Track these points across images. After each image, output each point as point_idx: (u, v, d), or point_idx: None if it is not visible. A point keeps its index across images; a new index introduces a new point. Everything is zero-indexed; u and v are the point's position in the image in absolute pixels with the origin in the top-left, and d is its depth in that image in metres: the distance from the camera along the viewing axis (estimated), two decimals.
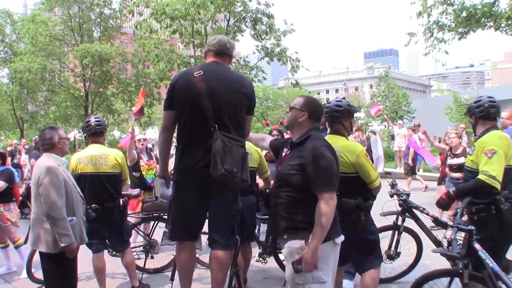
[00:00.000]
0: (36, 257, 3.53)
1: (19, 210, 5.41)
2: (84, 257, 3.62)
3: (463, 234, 2.75)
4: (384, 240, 4.00)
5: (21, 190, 7.95)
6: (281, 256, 4.03)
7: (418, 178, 10.22)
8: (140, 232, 4.92)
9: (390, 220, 4.09)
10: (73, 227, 3.00)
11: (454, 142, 5.93)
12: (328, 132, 3.28)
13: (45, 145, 3.16)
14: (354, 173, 2.99)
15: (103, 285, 3.89)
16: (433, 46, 10.85)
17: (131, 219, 4.63)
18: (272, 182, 3.21)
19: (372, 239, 3.14)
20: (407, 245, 4.23)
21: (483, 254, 2.62)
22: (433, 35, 10.68)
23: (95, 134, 4.04)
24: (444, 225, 3.84)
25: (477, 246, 2.65)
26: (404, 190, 4.26)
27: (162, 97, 21.42)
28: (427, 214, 4.01)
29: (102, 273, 3.88)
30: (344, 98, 3.63)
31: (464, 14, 9.97)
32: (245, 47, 15.09)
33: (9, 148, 13.98)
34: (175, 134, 3.06)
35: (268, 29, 13.90)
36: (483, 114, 3.14)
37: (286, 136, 4.95)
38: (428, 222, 4.17)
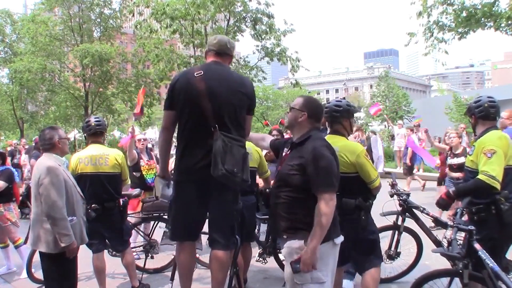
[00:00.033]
0: (36, 257, 3.53)
1: (19, 210, 5.41)
2: (84, 257, 3.62)
3: (463, 234, 2.75)
4: (384, 240, 4.00)
5: (21, 190, 7.96)
6: (281, 256, 4.03)
7: (416, 178, 10.23)
8: (140, 232, 4.92)
9: (390, 220, 4.09)
10: (73, 227, 3.00)
11: (454, 142, 5.94)
12: (328, 132, 3.28)
13: (45, 145, 3.16)
14: (354, 173, 2.99)
15: (103, 285, 3.89)
16: (433, 46, 10.85)
17: (131, 219, 4.63)
18: (272, 182, 3.21)
19: (372, 239, 3.14)
20: (407, 245, 4.23)
21: (483, 254, 2.62)
22: (433, 35, 10.68)
23: (95, 134, 4.04)
24: (444, 225, 3.84)
25: (477, 246, 2.65)
26: (404, 190, 4.26)
27: (162, 97, 21.42)
28: (427, 214, 4.01)
29: (102, 273, 3.88)
30: (344, 98, 3.64)
31: (464, 14, 9.96)
32: (245, 47, 15.11)
33: (9, 148, 13.98)
34: (175, 134, 3.06)
35: (268, 29, 13.90)
36: (483, 114, 3.14)
37: (286, 136, 4.95)
38: (428, 222, 4.17)
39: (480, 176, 2.90)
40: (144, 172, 5.49)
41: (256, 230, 4.29)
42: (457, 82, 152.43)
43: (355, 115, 3.51)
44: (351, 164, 2.96)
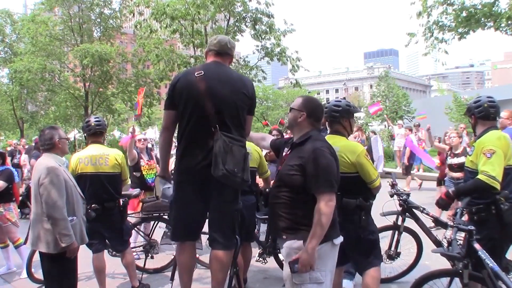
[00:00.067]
0: (36, 257, 3.53)
1: (19, 210, 5.41)
2: (84, 257, 3.62)
3: (463, 234, 2.75)
4: (384, 240, 4.00)
5: (21, 190, 7.97)
6: (281, 256, 4.03)
7: (414, 178, 10.24)
8: (140, 232, 4.92)
9: (390, 220, 4.09)
10: (74, 227, 3.00)
11: (454, 142, 5.94)
12: (328, 132, 3.28)
13: (45, 145, 3.16)
14: (355, 173, 2.98)
15: (103, 285, 3.89)
16: (433, 46, 10.84)
17: (131, 219, 4.63)
18: (272, 182, 3.21)
19: (372, 239, 3.14)
20: (407, 245, 4.23)
21: (483, 254, 2.62)
22: (433, 35, 10.67)
23: (95, 134, 4.04)
24: (444, 225, 3.84)
25: (477, 246, 2.65)
26: (404, 190, 4.26)
27: (162, 97, 21.42)
28: (427, 214, 4.01)
29: (102, 273, 3.88)
30: (344, 98, 3.63)
31: (464, 14, 9.95)
32: (245, 47, 15.10)
33: (9, 148, 13.97)
34: (175, 134, 3.06)
35: (268, 29, 13.88)
36: (483, 114, 3.14)
37: (286, 136, 4.95)
38: (428, 222, 4.17)
39: (480, 176, 2.90)
40: (144, 172, 5.49)
41: (256, 230, 4.29)
42: (457, 82, 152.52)
43: (355, 115, 3.50)
44: (351, 164, 2.96)
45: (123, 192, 4.11)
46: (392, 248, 4.07)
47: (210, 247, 2.95)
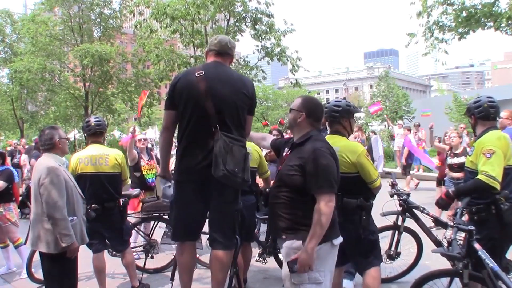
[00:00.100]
0: (36, 257, 3.53)
1: (19, 210, 5.41)
2: (84, 257, 3.62)
3: (463, 234, 2.75)
4: (384, 240, 4.00)
5: (21, 190, 7.97)
6: (281, 256, 4.03)
7: (412, 178, 10.24)
8: (140, 232, 4.92)
9: (390, 220, 4.09)
10: (74, 227, 3.00)
11: (454, 142, 5.94)
12: (328, 132, 3.28)
13: (45, 145, 3.16)
14: (355, 173, 2.98)
15: (103, 285, 3.89)
16: (433, 46, 10.84)
17: (131, 219, 4.63)
18: (272, 182, 3.22)
19: (372, 239, 3.14)
20: (407, 245, 4.23)
21: (483, 254, 2.62)
22: (433, 35, 10.67)
23: (95, 134, 4.04)
24: (444, 225, 3.84)
25: (477, 246, 2.65)
26: (404, 190, 4.26)
27: (162, 97, 21.41)
28: (427, 214, 4.01)
29: (102, 273, 3.89)
30: (344, 98, 3.63)
31: (464, 14, 9.95)
32: (245, 47, 15.10)
33: (9, 148, 13.97)
34: (176, 134, 3.06)
35: (268, 29, 13.89)
36: (483, 114, 3.14)
37: (286, 136, 4.95)
38: (428, 222, 4.17)
39: (479, 176, 2.90)
40: (144, 172, 5.49)
41: (256, 230, 4.29)
42: (457, 82, 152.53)
43: (355, 115, 3.50)
44: (351, 164, 2.96)
45: (123, 192, 4.11)
46: (392, 248, 4.07)
47: (210, 247, 2.95)
